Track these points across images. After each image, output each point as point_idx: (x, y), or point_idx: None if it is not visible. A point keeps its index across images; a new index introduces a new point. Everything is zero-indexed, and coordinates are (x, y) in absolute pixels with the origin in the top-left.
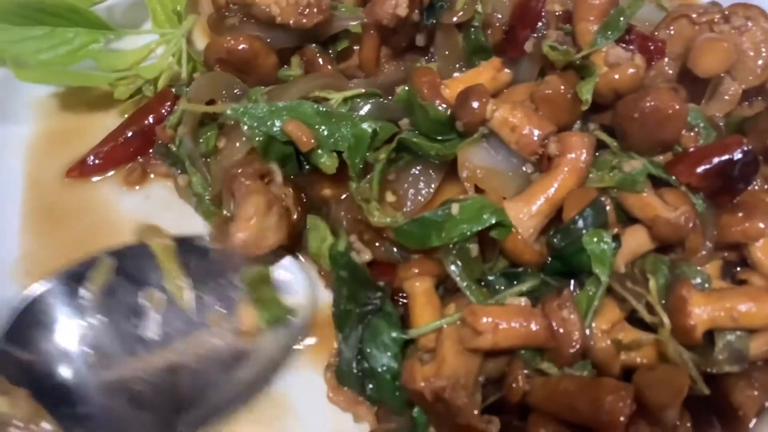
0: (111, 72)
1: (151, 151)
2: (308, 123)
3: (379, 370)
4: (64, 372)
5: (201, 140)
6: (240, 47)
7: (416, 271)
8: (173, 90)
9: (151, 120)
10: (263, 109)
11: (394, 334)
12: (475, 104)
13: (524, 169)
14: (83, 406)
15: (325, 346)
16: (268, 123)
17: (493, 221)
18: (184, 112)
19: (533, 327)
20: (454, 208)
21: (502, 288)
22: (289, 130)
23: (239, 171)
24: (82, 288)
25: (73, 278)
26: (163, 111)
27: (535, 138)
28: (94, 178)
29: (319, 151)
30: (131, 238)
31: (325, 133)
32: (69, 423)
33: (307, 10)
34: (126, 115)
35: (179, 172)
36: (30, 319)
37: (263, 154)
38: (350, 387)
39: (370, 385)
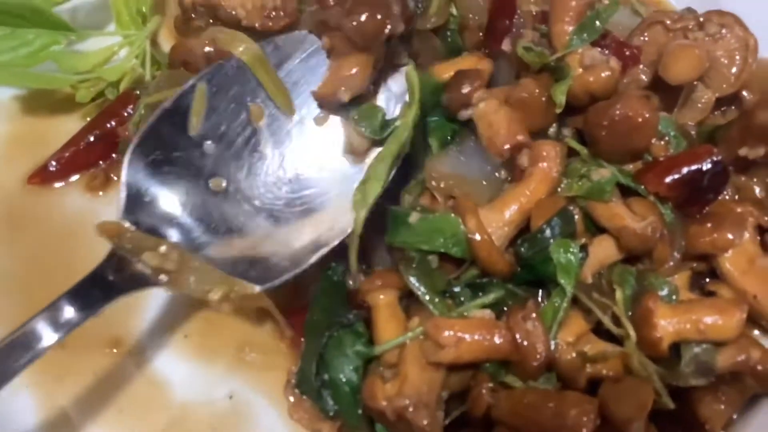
0: (73, 74)
1: (114, 155)
2: None
3: (339, 381)
4: (197, 207)
5: None
6: (206, 50)
7: (379, 283)
8: (136, 92)
9: (113, 123)
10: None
11: (358, 348)
12: (467, 87)
13: (497, 175)
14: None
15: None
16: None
17: (442, 250)
18: (148, 107)
19: (497, 340)
20: (413, 217)
21: (467, 300)
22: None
23: None
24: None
25: (175, 113)
26: (126, 114)
27: (506, 145)
28: (57, 184)
29: None
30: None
31: None
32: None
33: (273, 13)
34: (88, 119)
35: None
36: (150, 158)
37: None
38: (309, 395)
39: (329, 398)
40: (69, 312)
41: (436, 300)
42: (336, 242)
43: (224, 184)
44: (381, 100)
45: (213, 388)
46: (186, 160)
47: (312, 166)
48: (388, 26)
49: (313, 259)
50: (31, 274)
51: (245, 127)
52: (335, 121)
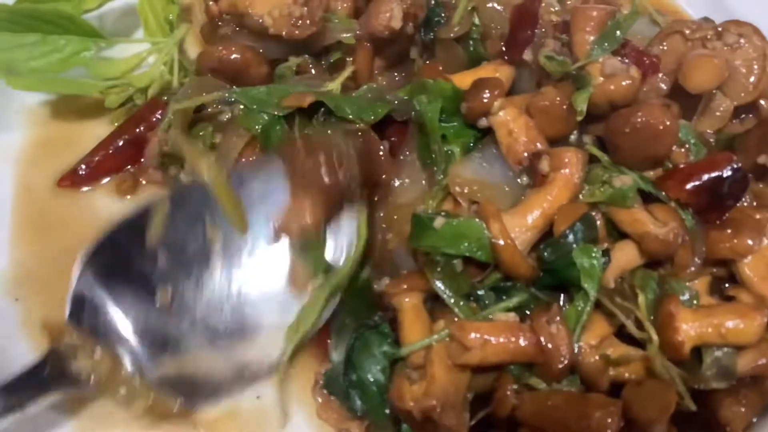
0: (102, 80)
1: (143, 159)
2: None
3: (366, 381)
4: (140, 317)
5: (196, 139)
6: (232, 57)
7: (405, 286)
8: (164, 98)
9: (142, 129)
10: (262, 90)
11: (384, 348)
12: (486, 94)
13: (519, 181)
14: (161, 345)
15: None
16: (268, 101)
17: (467, 255)
18: (175, 113)
19: (522, 342)
20: (438, 221)
21: (490, 303)
22: (289, 101)
23: None
24: (146, 234)
25: (134, 227)
26: (154, 119)
27: (525, 153)
28: (85, 188)
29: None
30: None
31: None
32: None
33: (300, 21)
34: (117, 124)
35: (179, 173)
36: (102, 265)
37: (264, 141)
38: (337, 396)
39: (356, 398)
40: None
41: (461, 303)
42: (264, 376)
43: (169, 296)
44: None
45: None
46: (137, 269)
47: (255, 290)
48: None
49: (238, 389)
50: (59, 276)
51: (200, 243)
52: (285, 247)
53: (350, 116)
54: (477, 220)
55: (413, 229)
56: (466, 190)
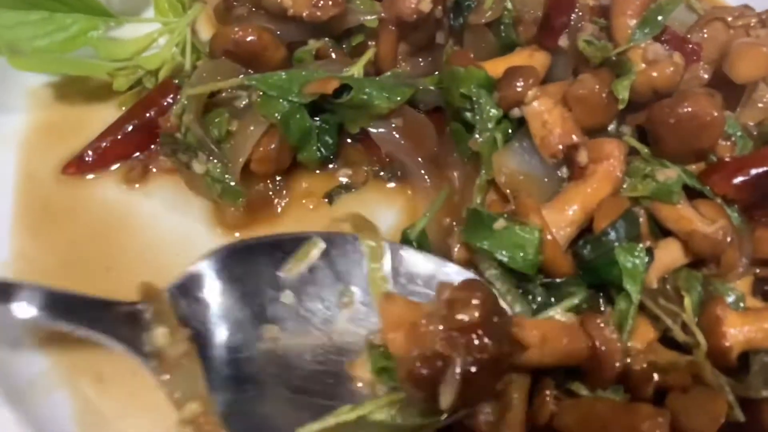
0: (110, 61)
1: (153, 146)
2: None
3: None
4: (236, 335)
5: (211, 126)
6: (248, 39)
7: None
8: (175, 81)
9: (152, 113)
10: (281, 76)
11: None
12: (520, 83)
13: (559, 173)
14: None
15: None
16: (289, 88)
17: (520, 267)
18: (189, 98)
19: (579, 344)
20: (499, 223)
21: (539, 298)
22: (312, 87)
23: None
24: (283, 260)
25: (276, 247)
26: (165, 104)
27: (560, 146)
28: (91, 176)
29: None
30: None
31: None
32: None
33: (322, 2)
34: (125, 108)
35: (192, 160)
36: (230, 267)
37: (284, 130)
38: None
39: None
40: (55, 309)
41: (517, 294)
42: None
43: (275, 335)
44: None
45: None
46: (258, 292)
47: (341, 369)
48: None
49: None
50: (65, 267)
51: (329, 302)
52: None
53: (375, 101)
54: (537, 232)
55: (469, 223)
56: (509, 180)
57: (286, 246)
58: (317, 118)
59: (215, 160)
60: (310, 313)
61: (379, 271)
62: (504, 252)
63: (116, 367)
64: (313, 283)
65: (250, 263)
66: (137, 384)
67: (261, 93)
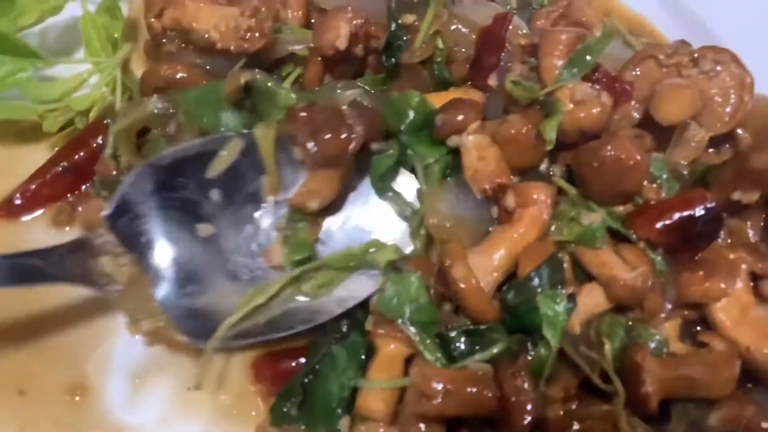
0: (40, 103)
1: (84, 187)
2: None
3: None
4: (174, 241)
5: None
6: (178, 75)
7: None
8: (106, 121)
9: (82, 154)
10: (200, 89)
11: (349, 373)
12: (463, 115)
13: (491, 213)
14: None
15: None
16: (210, 100)
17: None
18: (119, 137)
19: (486, 394)
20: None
21: (461, 346)
22: (228, 86)
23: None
24: (206, 161)
25: (198, 151)
26: (95, 144)
27: (488, 184)
28: (23, 218)
29: None
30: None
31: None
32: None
33: (249, 34)
34: (56, 149)
35: None
36: (158, 180)
37: (216, 128)
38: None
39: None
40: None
41: (430, 346)
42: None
43: (210, 232)
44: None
45: None
46: (189, 195)
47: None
48: (351, 145)
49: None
50: None
51: (253, 192)
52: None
53: (281, 91)
54: (413, 277)
55: None
56: (439, 225)
57: (207, 148)
58: None
59: None
60: (239, 207)
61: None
62: (392, 312)
63: (37, 416)
64: (237, 177)
65: (176, 171)
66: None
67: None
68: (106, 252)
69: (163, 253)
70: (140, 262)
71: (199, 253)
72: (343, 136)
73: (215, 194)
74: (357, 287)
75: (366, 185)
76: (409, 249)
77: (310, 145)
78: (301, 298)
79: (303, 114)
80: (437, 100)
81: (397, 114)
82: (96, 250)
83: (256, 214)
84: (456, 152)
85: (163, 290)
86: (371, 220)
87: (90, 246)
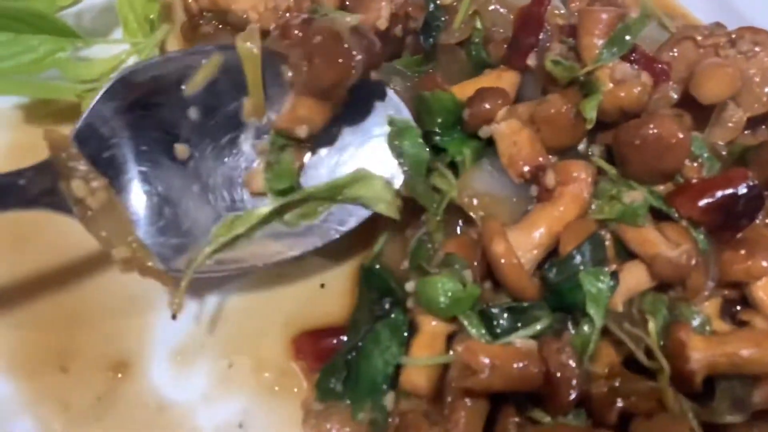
0: (78, 83)
1: None
2: None
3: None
4: (150, 162)
5: None
6: None
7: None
8: None
9: None
10: None
11: (393, 349)
12: (489, 104)
13: (529, 192)
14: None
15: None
16: None
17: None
18: None
19: (532, 370)
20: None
21: (503, 323)
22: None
23: None
24: (184, 76)
25: (175, 65)
26: None
27: (526, 167)
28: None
29: None
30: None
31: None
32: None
33: (288, 14)
34: None
35: None
36: (132, 96)
37: None
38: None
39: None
40: None
41: (474, 321)
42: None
43: (188, 154)
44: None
45: (224, 415)
46: (165, 113)
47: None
48: (349, 76)
49: (219, 270)
50: (36, 294)
51: (233, 113)
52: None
53: None
54: (437, 280)
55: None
56: (475, 202)
57: (185, 61)
58: None
59: None
60: (218, 128)
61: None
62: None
63: (80, 391)
64: (217, 96)
65: (151, 86)
66: (103, 409)
67: None
68: (78, 175)
69: (137, 176)
70: (113, 185)
71: (175, 177)
72: (341, 63)
73: (193, 113)
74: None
75: (363, 119)
76: (398, 183)
77: (304, 68)
78: (281, 228)
79: (298, 32)
80: (470, 87)
81: (429, 114)
82: (66, 172)
83: (237, 137)
84: (491, 142)
85: (137, 215)
86: (364, 152)
87: (59, 168)
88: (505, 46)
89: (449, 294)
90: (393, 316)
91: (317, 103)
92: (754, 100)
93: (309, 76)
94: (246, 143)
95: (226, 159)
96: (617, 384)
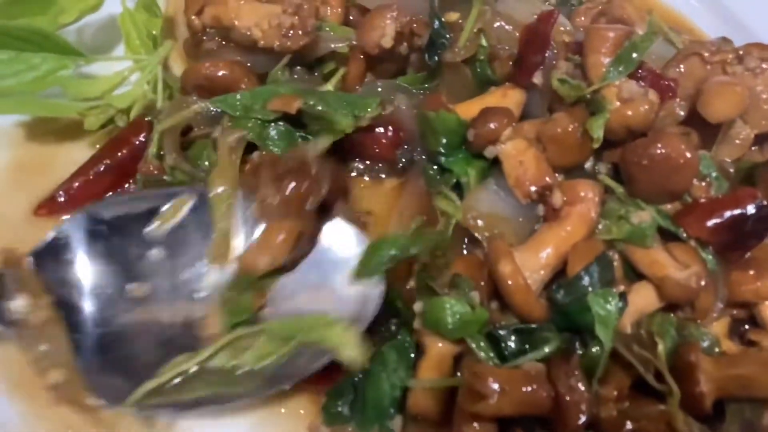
0: (81, 100)
1: (126, 185)
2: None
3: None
4: (103, 294)
5: (199, 160)
6: (220, 73)
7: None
8: (147, 119)
9: (124, 152)
10: (244, 95)
11: (400, 373)
12: (494, 124)
13: (536, 212)
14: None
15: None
16: (251, 106)
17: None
18: (164, 136)
19: (541, 394)
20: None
21: (512, 345)
22: (275, 104)
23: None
24: (151, 216)
25: (144, 204)
26: (137, 142)
27: (533, 187)
28: (64, 217)
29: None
30: None
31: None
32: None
33: (292, 32)
34: (97, 147)
35: None
36: (99, 225)
37: (260, 141)
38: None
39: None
40: None
41: (482, 344)
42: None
43: (144, 293)
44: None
45: None
46: (126, 250)
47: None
48: (312, 197)
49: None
50: None
51: (197, 256)
52: None
53: (338, 118)
54: (445, 301)
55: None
56: (480, 223)
57: (154, 202)
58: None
59: None
60: (178, 266)
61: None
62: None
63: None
64: (183, 239)
65: (117, 222)
66: None
67: (229, 117)
68: (23, 291)
69: (88, 306)
70: (61, 309)
71: (128, 312)
72: (305, 186)
73: (154, 254)
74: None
75: (327, 255)
76: (363, 326)
77: (269, 193)
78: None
79: (267, 169)
80: (475, 106)
81: (434, 134)
82: (8, 288)
83: (198, 277)
84: (497, 161)
85: (81, 345)
86: (326, 290)
87: (7, 281)
88: (511, 63)
89: (457, 316)
90: (399, 337)
91: (281, 229)
92: (762, 117)
93: (273, 198)
94: (205, 284)
95: (183, 298)
96: (626, 407)
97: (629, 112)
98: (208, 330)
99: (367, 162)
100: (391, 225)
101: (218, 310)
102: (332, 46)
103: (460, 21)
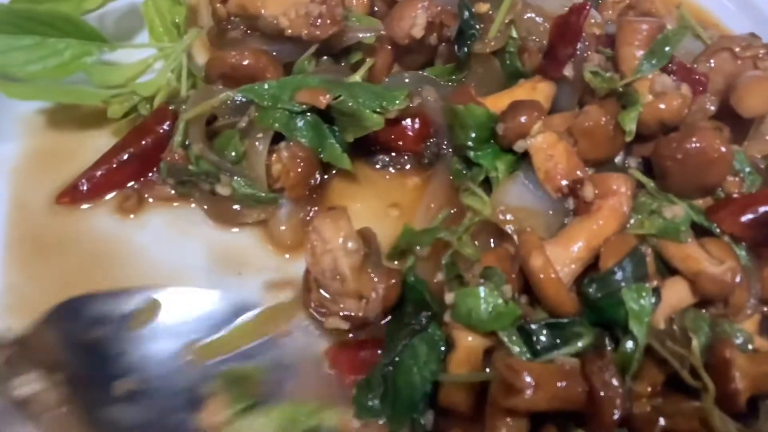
0: (104, 88)
1: (150, 174)
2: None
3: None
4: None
5: (225, 150)
6: (245, 62)
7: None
8: (171, 108)
9: (148, 141)
10: (272, 85)
11: (432, 367)
12: (524, 117)
13: (566, 205)
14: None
15: None
16: (280, 96)
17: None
18: (190, 125)
19: (576, 389)
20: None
21: (543, 339)
22: (303, 97)
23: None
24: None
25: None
26: (161, 131)
27: (564, 181)
28: (85, 205)
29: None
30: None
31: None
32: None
33: (320, 21)
34: (120, 135)
35: (214, 185)
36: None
37: (288, 131)
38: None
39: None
40: None
41: (514, 338)
42: None
43: (129, 386)
44: None
45: None
46: (105, 350)
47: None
48: None
49: None
50: (55, 300)
51: (177, 350)
52: None
53: (366, 113)
54: (481, 290)
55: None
56: (510, 217)
57: (126, 302)
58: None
59: (239, 179)
60: (164, 359)
61: None
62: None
63: None
64: (160, 335)
65: (94, 321)
66: None
67: (256, 107)
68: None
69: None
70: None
71: (112, 410)
72: None
73: (137, 350)
74: None
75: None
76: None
77: None
78: None
79: None
80: (504, 99)
81: (462, 128)
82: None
83: (190, 364)
84: (525, 154)
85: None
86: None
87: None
88: (541, 55)
89: (491, 307)
90: (430, 330)
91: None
92: None
93: None
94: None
95: (175, 389)
96: (659, 403)
97: (662, 106)
98: (211, 417)
99: (393, 154)
100: (418, 217)
101: (220, 393)
102: (359, 36)
103: (491, 12)
